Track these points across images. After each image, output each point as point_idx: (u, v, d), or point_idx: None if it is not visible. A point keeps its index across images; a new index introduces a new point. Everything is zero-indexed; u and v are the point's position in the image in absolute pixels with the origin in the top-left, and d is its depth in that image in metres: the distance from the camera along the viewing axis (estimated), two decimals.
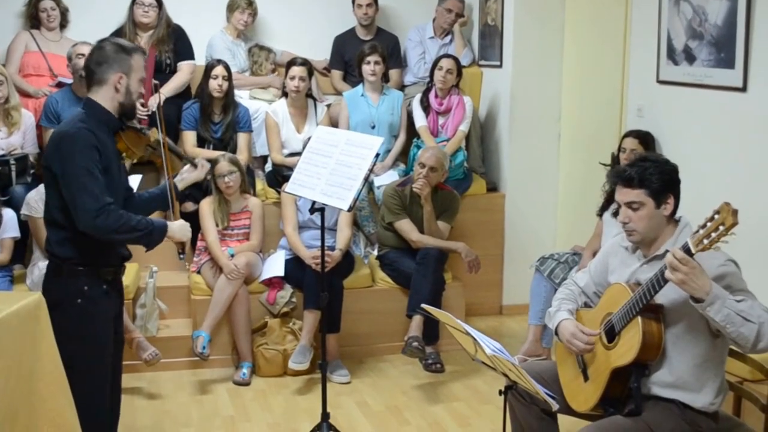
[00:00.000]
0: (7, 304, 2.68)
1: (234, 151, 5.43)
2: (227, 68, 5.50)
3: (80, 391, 2.96)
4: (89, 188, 2.99)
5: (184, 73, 5.91)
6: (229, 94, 5.51)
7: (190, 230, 3.36)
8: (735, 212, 2.54)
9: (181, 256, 3.40)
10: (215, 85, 5.43)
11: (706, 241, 2.60)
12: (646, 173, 2.92)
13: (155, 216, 3.43)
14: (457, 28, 6.41)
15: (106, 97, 3.12)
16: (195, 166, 3.63)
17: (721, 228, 2.56)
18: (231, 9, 6.15)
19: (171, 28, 5.93)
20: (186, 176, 3.63)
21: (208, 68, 5.50)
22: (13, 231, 4.85)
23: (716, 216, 2.58)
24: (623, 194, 2.97)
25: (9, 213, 4.85)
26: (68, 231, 3.09)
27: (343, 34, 6.42)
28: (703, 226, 2.62)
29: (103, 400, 3.20)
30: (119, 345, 3.41)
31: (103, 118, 3.12)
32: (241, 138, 5.56)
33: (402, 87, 6.33)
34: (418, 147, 5.65)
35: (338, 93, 6.24)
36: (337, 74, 6.40)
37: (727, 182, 4.40)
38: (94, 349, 3.15)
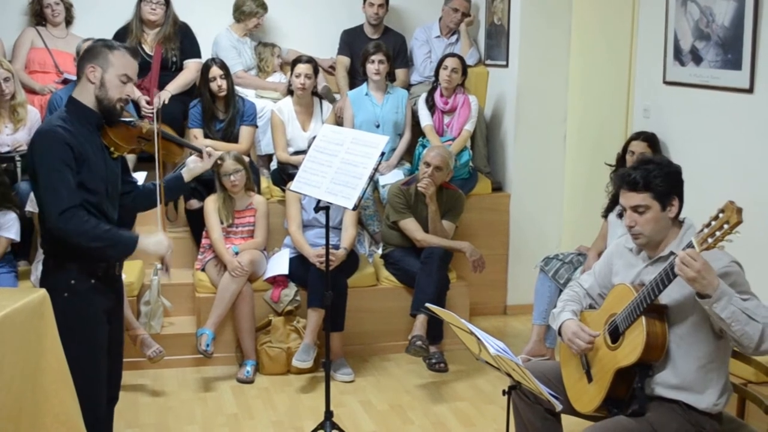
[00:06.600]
0: (11, 300, 2.68)
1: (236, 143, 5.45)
2: (222, 66, 5.50)
3: None
4: (57, 187, 2.96)
5: (191, 71, 5.91)
6: (229, 90, 5.51)
7: (169, 244, 3.27)
8: (739, 210, 2.53)
9: (159, 267, 3.34)
10: (215, 86, 5.44)
11: (710, 240, 2.60)
12: (650, 176, 2.90)
13: None
14: (464, 28, 6.41)
15: (83, 91, 3.09)
16: (201, 155, 3.50)
17: (726, 226, 2.55)
18: (246, 15, 6.10)
19: (178, 26, 5.95)
20: (192, 167, 3.49)
21: (204, 70, 5.50)
22: (7, 232, 4.82)
23: (721, 214, 2.57)
24: (628, 198, 2.95)
25: (11, 215, 4.83)
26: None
27: (352, 30, 6.41)
28: (708, 224, 2.61)
29: (96, 398, 3.13)
30: (117, 344, 3.34)
31: (83, 114, 3.08)
32: (243, 130, 5.56)
33: (408, 86, 6.33)
34: (424, 146, 5.65)
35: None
36: (343, 59, 6.36)
37: (732, 183, 4.39)
38: (83, 344, 3.08)
